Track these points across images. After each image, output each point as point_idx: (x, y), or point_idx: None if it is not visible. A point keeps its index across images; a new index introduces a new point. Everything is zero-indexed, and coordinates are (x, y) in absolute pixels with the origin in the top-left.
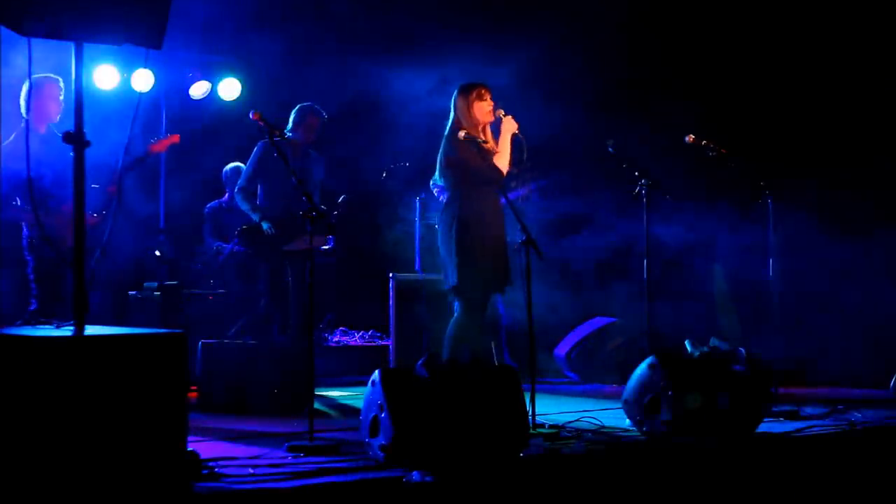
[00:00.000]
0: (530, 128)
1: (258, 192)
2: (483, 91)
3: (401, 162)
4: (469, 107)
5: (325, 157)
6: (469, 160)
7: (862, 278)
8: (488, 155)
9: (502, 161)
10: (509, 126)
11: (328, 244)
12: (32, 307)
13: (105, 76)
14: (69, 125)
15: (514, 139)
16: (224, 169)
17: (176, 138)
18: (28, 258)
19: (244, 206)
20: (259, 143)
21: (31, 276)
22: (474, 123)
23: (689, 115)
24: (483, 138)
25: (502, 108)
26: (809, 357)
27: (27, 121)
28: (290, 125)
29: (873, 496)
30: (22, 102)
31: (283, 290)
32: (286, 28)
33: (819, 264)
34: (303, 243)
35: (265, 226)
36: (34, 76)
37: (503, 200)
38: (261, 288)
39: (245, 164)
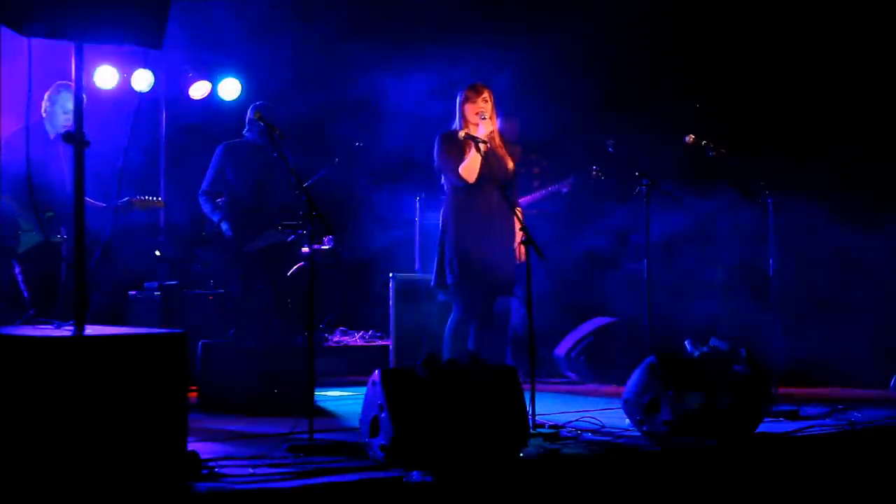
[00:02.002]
0: (530, 127)
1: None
2: (475, 91)
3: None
4: (460, 106)
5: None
6: (442, 163)
7: (862, 279)
8: (489, 154)
9: (467, 168)
10: (483, 129)
11: (327, 244)
12: (30, 312)
13: (105, 76)
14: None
15: (505, 141)
16: None
17: (161, 203)
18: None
19: (205, 209)
20: (220, 146)
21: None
22: (466, 124)
23: (690, 114)
24: (483, 138)
25: (486, 112)
26: (810, 357)
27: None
28: (245, 126)
29: (873, 496)
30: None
31: (257, 289)
32: (286, 28)
33: (819, 264)
34: (268, 239)
35: (224, 227)
36: None
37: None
38: (232, 290)
39: None
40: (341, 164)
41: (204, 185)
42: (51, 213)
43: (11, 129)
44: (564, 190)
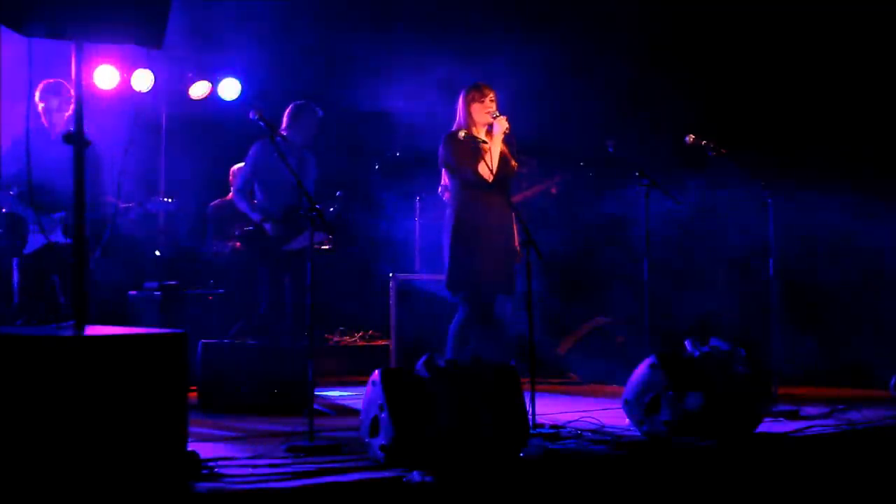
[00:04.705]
0: (529, 128)
1: (256, 192)
2: (481, 92)
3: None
4: (467, 107)
5: (314, 156)
6: (457, 162)
7: (862, 279)
8: (487, 157)
9: (485, 168)
10: (499, 127)
11: (327, 243)
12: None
13: (105, 76)
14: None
15: (506, 141)
16: (232, 168)
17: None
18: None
19: (243, 207)
20: (256, 144)
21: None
22: (472, 124)
23: (689, 112)
24: (484, 139)
25: (497, 112)
26: (810, 356)
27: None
28: (284, 123)
29: (873, 496)
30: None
31: (282, 290)
32: (288, 28)
33: (820, 264)
34: (302, 242)
35: (267, 227)
36: None
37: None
38: (261, 290)
39: None
40: (344, 164)
41: (239, 184)
42: (61, 214)
43: (14, 132)
44: (553, 189)
